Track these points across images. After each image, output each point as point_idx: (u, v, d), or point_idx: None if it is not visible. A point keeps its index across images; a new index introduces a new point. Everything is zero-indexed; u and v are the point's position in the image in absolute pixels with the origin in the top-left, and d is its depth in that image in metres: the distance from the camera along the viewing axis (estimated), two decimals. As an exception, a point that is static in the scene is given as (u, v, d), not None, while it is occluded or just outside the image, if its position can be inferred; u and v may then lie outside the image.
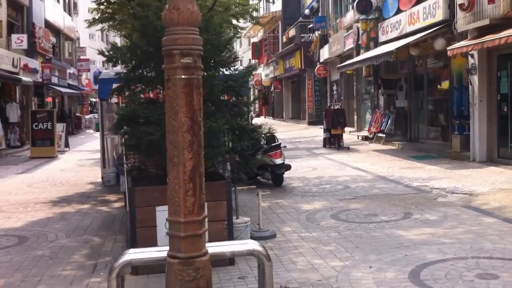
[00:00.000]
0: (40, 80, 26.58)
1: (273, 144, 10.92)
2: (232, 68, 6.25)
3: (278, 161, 10.74)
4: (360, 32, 19.70)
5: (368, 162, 14.22)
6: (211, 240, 6.43)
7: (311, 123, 30.84)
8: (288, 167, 11.08)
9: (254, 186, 11.14)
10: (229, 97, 6.68)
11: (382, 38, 18.30)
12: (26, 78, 23.23)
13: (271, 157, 10.75)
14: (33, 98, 26.77)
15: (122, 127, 5.94)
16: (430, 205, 8.36)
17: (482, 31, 12.05)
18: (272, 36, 40.41)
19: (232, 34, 6.49)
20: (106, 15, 13.49)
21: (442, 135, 15.70)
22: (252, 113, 12.99)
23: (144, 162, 6.42)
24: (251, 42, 48.28)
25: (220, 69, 5.93)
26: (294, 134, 25.52)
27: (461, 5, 12.68)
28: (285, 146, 11.62)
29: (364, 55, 18.20)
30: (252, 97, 38.75)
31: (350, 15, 22.37)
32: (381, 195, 9.43)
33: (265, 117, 46.39)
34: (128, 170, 6.87)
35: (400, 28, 16.66)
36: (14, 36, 23.21)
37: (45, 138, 19.11)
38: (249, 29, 46.46)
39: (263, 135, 6.53)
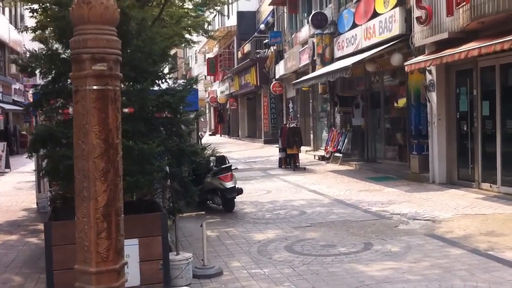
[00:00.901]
0: (-19, 96, 25.03)
1: (223, 166, 10.11)
2: (170, 82, 5.45)
3: (229, 184, 9.93)
4: (315, 47, 19.20)
5: (325, 184, 13.57)
6: (143, 283, 5.58)
7: (267, 141, 30.19)
8: (239, 191, 10.28)
9: (203, 212, 10.30)
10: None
11: (338, 54, 17.84)
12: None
13: (221, 180, 9.93)
14: (-27, 116, 25.17)
15: (36, 149, 5.02)
16: (391, 234, 7.70)
17: (440, 46, 11.64)
18: (227, 52, 39.76)
19: (169, 42, 5.66)
20: (41, 23, 12.46)
21: (400, 155, 15.23)
22: (202, 132, 12.17)
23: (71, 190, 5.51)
24: (207, 57, 47.48)
25: (157, 82, 5.10)
26: (249, 154, 24.79)
27: (418, 18, 12.25)
28: (236, 168, 10.83)
29: (319, 71, 17.68)
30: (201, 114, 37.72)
31: (306, 30, 21.91)
32: (339, 222, 8.73)
33: (220, 135, 45.58)
34: (51, 199, 5.94)
35: (356, 43, 16.21)
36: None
37: (-18, 159, 17.74)
38: (204, 44, 45.77)
39: (204, 159, 5.68)
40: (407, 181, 12.93)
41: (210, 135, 49.16)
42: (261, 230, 8.35)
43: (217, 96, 44.52)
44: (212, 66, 44.40)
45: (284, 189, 12.92)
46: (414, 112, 13.17)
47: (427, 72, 12.55)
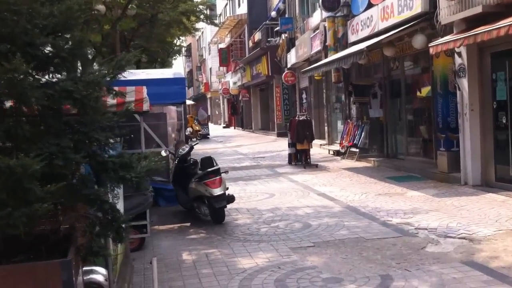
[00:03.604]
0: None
1: (209, 170, 8.38)
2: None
3: (217, 191, 8.21)
4: (327, 32, 17.31)
5: (337, 185, 11.77)
6: None
7: (280, 134, 28.37)
8: (231, 199, 8.56)
9: (188, 224, 8.66)
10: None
11: (352, 38, 15.94)
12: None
13: (207, 186, 8.22)
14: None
15: None
16: (418, 260, 5.91)
17: (471, 23, 9.73)
18: (238, 41, 37.97)
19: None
20: None
21: (425, 151, 13.33)
22: (192, 141, 10.39)
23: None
24: (218, 48, 45.74)
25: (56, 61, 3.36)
26: (259, 148, 23.05)
27: (445, -9, 10.36)
28: (226, 171, 9.09)
29: (331, 57, 15.81)
30: (203, 113, 36.00)
31: (318, 15, 20.00)
32: (350, 240, 6.94)
33: (234, 128, 43.90)
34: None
35: (372, 25, 14.31)
36: None
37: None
38: (216, 34, 44.08)
39: (137, 178, 3.87)
40: (434, 181, 11.07)
41: (224, 127, 47.58)
42: (251, 253, 6.61)
43: (229, 87, 42.77)
44: (225, 56, 42.67)
45: (289, 191, 11.16)
46: (441, 102, 11.27)
47: (456, 55, 10.65)
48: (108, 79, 3.77)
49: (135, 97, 6.91)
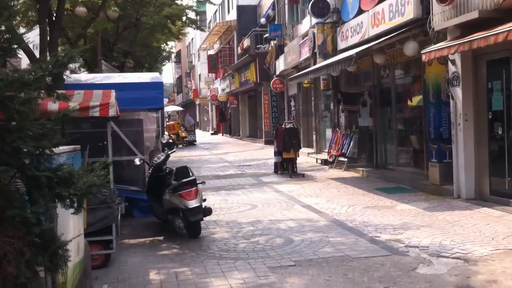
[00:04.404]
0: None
1: (184, 180, 7.78)
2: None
3: (192, 203, 7.61)
4: (316, 38, 16.80)
5: (324, 196, 11.21)
6: None
7: (267, 142, 27.79)
8: (207, 211, 7.95)
9: (161, 238, 8.04)
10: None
11: (341, 45, 15.42)
12: None
13: (182, 197, 7.63)
14: None
15: None
16: (408, 284, 5.34)
17: (466, 30, 9.24)
18: (227, 48, 37.44)
19: None
20: None
21: (416, 162, 12.80)
22: (172, 149, 9.75)
23: None
24: (208, 54, 45.21)
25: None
26: (246, 156, 22.46)
27: (439, -4, 9.86)
28: (203, 182, 8.48)
29: (319, 64, 15.28)
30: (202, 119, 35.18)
31: (307, 21, 19.52)
32: (334, 259, 6.36)
33: (222, 135, 43.31)
34: None
35: (362, 31, 13.81)
36: None
37: None
38: (204, 40, 43.59)
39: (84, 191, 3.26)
40: (425, 194, 10.54)
41: (211, 134, 46.97)
42: (225, 272, 6.01)
43: (218, 94, 42.21)
44: (213, 63, 42.20)
45: (273, 203, 10.58)
46: (433, 111, 10.76)
47: (449, 63, 10.16)
48: (48, 79, 3.18)
49: (101, 101, 6.32)
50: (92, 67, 18.76)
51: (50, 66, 3.22)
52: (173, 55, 58.83)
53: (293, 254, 6.68)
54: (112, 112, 6.31)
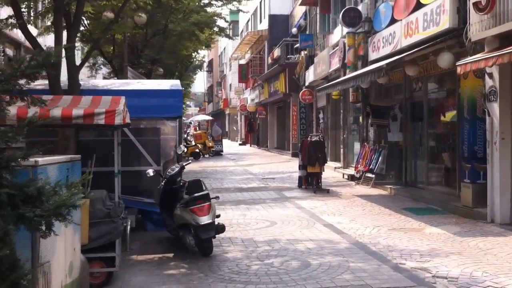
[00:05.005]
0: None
1: (197, 195, 7.32)
2: None
3: (204, 219, 7.15)
4: (347, 48, 16.26)
5: (347, 214, 10.62)
6: None
7: (295, 154, 27.15)
8: (220, 229, 7.48)
9: (171, 255, 7.60)
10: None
11: (372, 56, 14.85)
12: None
13: (194, 213, 7.17)
14: None
15: None
16: (434, 322, 4.76)
17: (505, 41, 8.64)
18: (258, 58, 37.07)
19: None
20: None
21: (447, 181, 12.10)
22: (185, 161, 9.32)
23: None
24: (239, 64, 44.96)
25: None
26: (271, 168, 21.97)
27: (476, 4, 9.23)
28: (217, 197, 8.00)
29: (348, 75, 14.73)
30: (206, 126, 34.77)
31: (338, 31, 18.99)
32: (353, 288, 5.81)
33: (250, 145, 42.89)
34: None
35: (394, 42, 13.23)
36: None
37: None
38: (236, 50, 43.38)
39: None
40: (456, 216, 9.86)
41: (240, 144, 46.60)
42: (233, 299, 5.52)
43: (247, 104, 41.87)
44: (244, 72, 41.88)
45: (293, 220, 10.05)
46: (468, 128, 10.09)
47: (486, 76, 9.52)
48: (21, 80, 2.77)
49: (107, 108, 5.92)
50: (121, 74, 18.60)
51: (23, 66, 2.81)
52: (205, 64, 58.85)
53: (308, 280, 6.14)
54: (118, 120, 5.90)
